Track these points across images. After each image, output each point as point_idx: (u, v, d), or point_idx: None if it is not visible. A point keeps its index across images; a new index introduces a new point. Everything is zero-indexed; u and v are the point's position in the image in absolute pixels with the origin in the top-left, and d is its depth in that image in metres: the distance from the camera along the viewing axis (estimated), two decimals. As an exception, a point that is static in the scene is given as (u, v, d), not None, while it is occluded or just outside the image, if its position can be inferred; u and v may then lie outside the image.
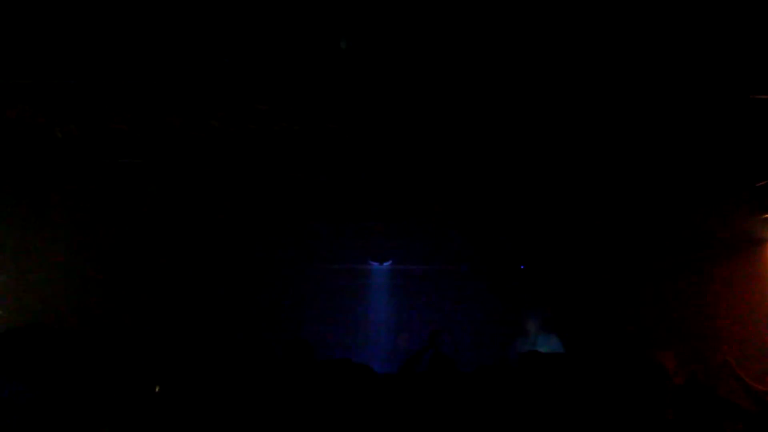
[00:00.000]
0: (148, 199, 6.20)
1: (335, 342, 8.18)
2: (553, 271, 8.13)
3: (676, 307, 6.74)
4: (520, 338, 6.46)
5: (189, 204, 6.57)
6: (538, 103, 3.95)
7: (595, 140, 4.63)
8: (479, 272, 8.56)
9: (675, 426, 3.21)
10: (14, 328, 3.11)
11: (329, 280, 8.67)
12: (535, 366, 4.79)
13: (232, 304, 8.08)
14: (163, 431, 3.65)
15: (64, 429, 3.01)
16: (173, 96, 3.80)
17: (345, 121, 4.28)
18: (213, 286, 7.99)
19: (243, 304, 8.20)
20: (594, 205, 6.42)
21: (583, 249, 7.65)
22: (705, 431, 3.19)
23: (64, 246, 6.44)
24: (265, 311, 8.28)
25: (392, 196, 6.38)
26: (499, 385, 4.22)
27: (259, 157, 5.11)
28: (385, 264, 8.84)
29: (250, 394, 4.39)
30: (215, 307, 7.88)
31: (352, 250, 8.48)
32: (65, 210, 6.28)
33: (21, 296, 5.95)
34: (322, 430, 3.73)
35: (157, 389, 3.76)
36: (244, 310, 8.17)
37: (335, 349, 7.79)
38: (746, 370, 4.73)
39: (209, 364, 5.14)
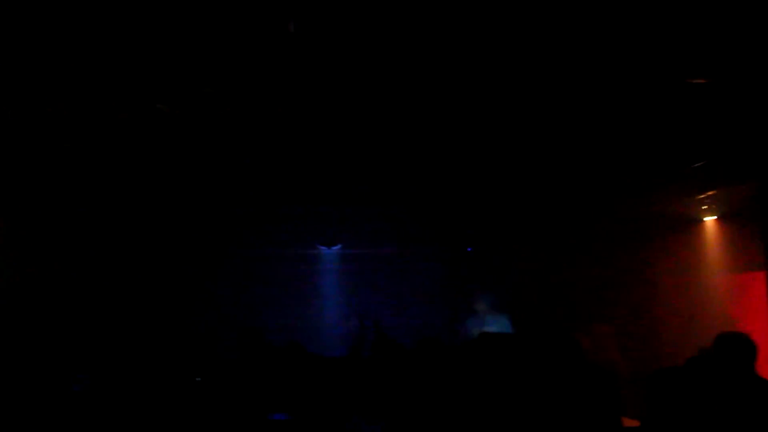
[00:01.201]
0: (92, 185, 6.03)
1: (285, 327, 8.16)
2: (500, 252, 8.29)
3: (616, 285, 6.96)
4: (470, 319, 6.56)
5: (132, 190, 6.42)
6: (481, 84, 3.98)
7: (537, 123, 4.71)
8: (428, 255, 8.67)
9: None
10: None
11: (277, 265, 8.62)
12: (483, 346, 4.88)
13: (179, 291, 7.97)
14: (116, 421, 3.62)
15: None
16: (117, 80, 3.70)
17: (293, 105, 4.25)
18: (159, 274, 7.86)
19: (191, 291, 8.09)
20: (536, 188, 6.57)
21: (527, 231, 7.83)
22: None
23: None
24: (214, 298, 8.20)
25: (340, 179, 6.38)
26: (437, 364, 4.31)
27: (205, 140, 5.03)
28: (334, 248, 8.84)
29: (202, 381, 4.37)
30: (163, 295, 7.76)
31: (299, 235, 8.46)
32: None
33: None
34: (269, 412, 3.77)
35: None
36: (192, 297, 8.07)
37: (285, 335, 7.78)
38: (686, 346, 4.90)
39: (159, 353, 5.07)
